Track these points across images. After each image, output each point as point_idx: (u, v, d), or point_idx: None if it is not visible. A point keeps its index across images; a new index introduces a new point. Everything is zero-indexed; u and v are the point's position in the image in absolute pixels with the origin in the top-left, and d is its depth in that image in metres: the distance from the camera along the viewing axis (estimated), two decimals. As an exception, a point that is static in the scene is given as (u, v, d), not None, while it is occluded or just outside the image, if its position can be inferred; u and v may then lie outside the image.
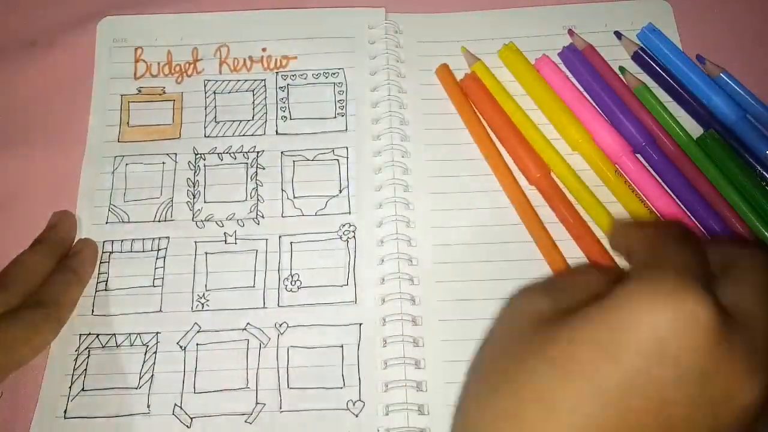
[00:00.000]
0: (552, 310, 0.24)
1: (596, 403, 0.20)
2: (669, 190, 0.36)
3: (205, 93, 0.40)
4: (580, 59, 0.39)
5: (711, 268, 0.23)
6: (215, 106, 0.40)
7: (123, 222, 0.37)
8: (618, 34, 0.40)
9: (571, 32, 0.41)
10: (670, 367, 0.20)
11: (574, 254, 0.35)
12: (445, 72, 0.40)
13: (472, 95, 0.39)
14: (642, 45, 0.40)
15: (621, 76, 0.39)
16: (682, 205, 0.36)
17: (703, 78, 0.38)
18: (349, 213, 0.37)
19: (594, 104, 0.38)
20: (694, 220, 0.35)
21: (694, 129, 0.38)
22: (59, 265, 0.35)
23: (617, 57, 0.40)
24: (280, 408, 0.33)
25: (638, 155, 0.37)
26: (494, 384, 0.23)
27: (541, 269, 0.35)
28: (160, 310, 0.35)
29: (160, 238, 0.36)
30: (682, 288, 0.20)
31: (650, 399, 0.20)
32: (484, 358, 0.25)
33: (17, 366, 0.32)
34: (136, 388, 0.33)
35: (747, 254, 0.24)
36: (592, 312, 0.21)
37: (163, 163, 0.38)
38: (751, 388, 0.20)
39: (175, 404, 0.33)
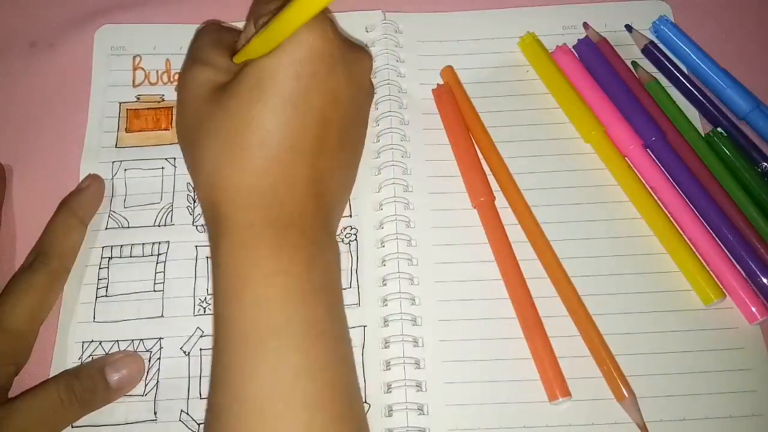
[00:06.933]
0: (216, 75, 0.33)
1: (283, 111, 0.30)
2: (676, 185, 0.36)
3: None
4: (595, 52, 0.39)
5: None
6: (213, 112, 0.39)
7: (123, 228, 0.37)
8: (629, 28, 0.40)
9: (586, 25, 0.41)
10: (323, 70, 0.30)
11: (571, 253, 0.35)
12: (449, 75, 0.40)
13: (441, 107, 0.39)
14: (653, 39, 0.40)
15: (633, 71, 0.39)
16: (688, 201, 0.36)
17: (716, 68, 0.38)
18: (350, 216, 0.37)
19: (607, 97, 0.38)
20: (700, 216, 0.36)
21: (703, 126, 0.38)
22: (60, 207, 0.36)
23: (622, 56, 0.40)
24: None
25: (648, 150, 0.37)
26: (204, 136, 0.32)
27: (540, 269, 0.35)
28: (162, 316, 0.35)
29: (159, 243, 0.36)
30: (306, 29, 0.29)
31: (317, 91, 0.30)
32: (184, 132, 0.34)
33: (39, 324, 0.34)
34: (142, 395, 0.33)
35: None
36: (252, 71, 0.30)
37: (162, 168, 0.38)
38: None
39: (182, 410, 0.33)
